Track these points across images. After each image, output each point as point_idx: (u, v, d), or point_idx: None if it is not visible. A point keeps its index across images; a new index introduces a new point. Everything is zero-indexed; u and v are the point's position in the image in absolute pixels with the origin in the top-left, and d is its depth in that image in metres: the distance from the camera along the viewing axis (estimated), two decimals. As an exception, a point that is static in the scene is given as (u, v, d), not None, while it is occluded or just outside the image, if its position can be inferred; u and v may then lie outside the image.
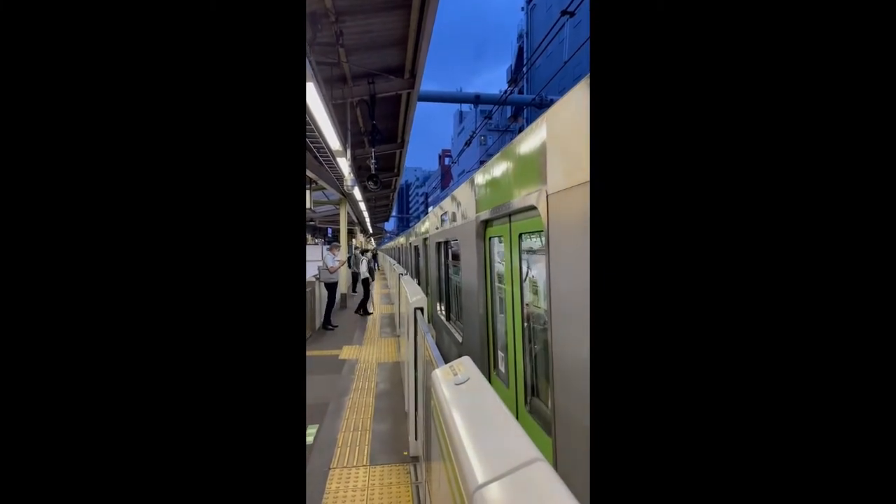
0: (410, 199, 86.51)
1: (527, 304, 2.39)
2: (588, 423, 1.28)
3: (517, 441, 0.79)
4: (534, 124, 1.93)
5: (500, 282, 2.90)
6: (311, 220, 15.09)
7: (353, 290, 13.09)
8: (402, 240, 16.15)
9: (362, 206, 13.59)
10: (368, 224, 22.49)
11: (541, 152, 1.81)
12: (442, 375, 1.30)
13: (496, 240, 2.92)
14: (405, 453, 3.13)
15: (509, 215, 2.47)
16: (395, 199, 22.63)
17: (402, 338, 4.74)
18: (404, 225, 72.42)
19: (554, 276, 1.66)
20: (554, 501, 0.61)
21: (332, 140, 5.21)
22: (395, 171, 13.56)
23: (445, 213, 4.77)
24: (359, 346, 6.67)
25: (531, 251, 2.36)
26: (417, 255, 8.85)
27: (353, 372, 5.27)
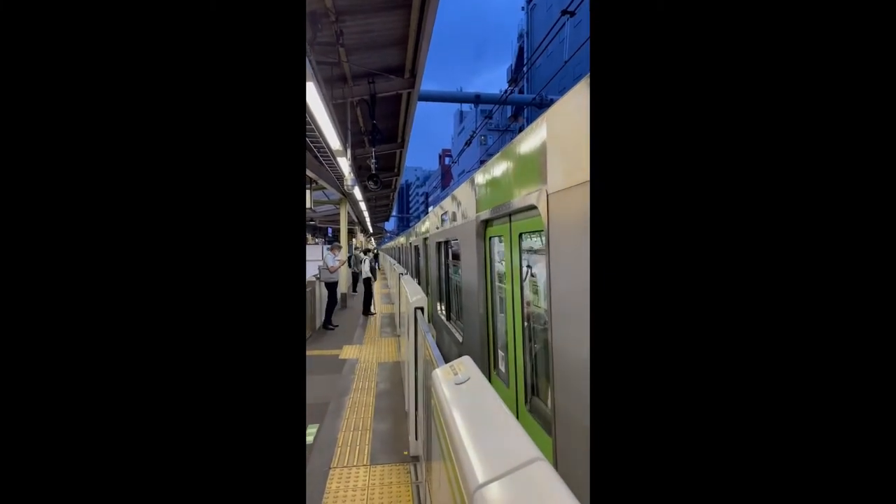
0: (410, 198, 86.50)
1: (527, 304, 2.38)
2: (588, 422, 1.28)
3: (517, 441, 0.79)
4: (534, 124, 1.93)
5: (500, 281, 2.90)
6: (312, 220, 15.09)
7: (354, 290, 13.09)
8: (402, 239, 16.16)
9: (362, 205, 13.59)
10: (368, 224, 22.49)
11: (541, 152, 1.81)
12: (442, 375, 1.30)
13: (496, 239, 2.92)
14: (405, 453, 3.13)
15: (509, 215, 2.47)
16: (395, 198, 22.63)
17: (403, 337, 4.74)
18: (404, 225, 72.42)
19: (554, 275, 1.66)
20: (554, 501, 0.61)
21: (333, 140, 5.21)
22: (396, 170, 13.56)
23: (445, 212, 4.77)
24: (359, 345, 6.67)
25: (531, 251, 2.36)
26: (417, 254, 8.86)
27: (353, 372, 5.27)
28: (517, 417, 1.92)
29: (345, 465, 3.01)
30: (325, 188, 9.29)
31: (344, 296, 10.29)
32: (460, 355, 1.50)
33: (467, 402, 1.06)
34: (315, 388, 4.61)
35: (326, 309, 8.05)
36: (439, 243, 5.48)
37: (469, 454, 0.79)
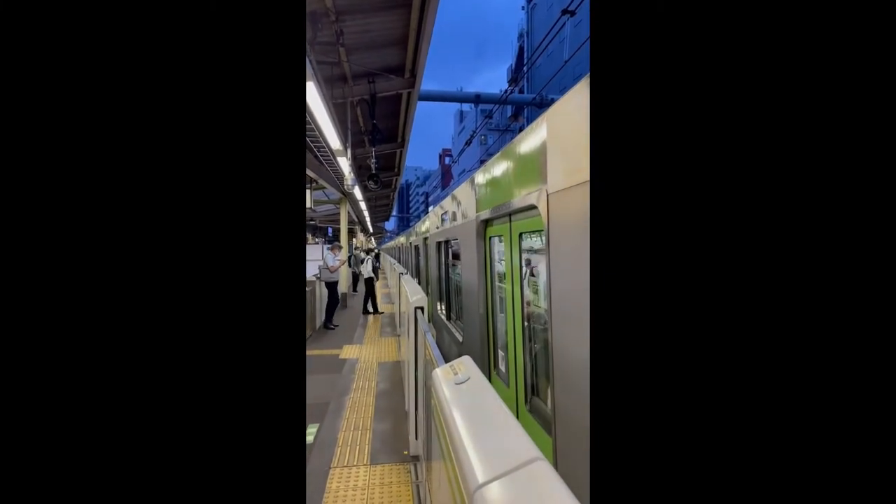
0: (411, 198, 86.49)
1: (527, 304, 2.38)
2: (588, 422, 1.28)
3: (517, 440, 0.79)
4: (534, 123, 1.93)
5: (500, 281, 2.90)
6: (312, 220, 15.09)
7: (354, 290, 13.09)
8: (402, 239, 16.15)
9: (362, 205, 13.59)
10: (369, 223, 22.49)
11: (541, 152, 1.81)
12: (442, 375, 1.30)
13: (496, 239, 2.92)
14: (405, 452, 3.14)
15: (509, 215, 2.47)
16: (395, 198, 22.62)
17: (403, 337, 4.74)
18: (404, 224, 72.41)
19: (554, 275, 1.66)
20: (554, 501, 0.61)
21: (333, 139, 5.21)
22: (396, 170, 13.56)
23: (446, 212, 4.77)
24: (359, 345, 6.67)
25: (531, 250, 2.36)
26: (418, 254, 8.86)
27: (353, 371, 5.27)
28: (517, 417, 1.92)
29: (345, 464, 3.01)
30: (325, 188, 9.30)
31: (344, 295, 10.29)
32: (460, 355, 1.50)
33: (467, 401, 1.06)
34: (315, 387, 4.62)
35: (327, 308, 8.05)
36: (439, 243, 5.48)
37: (469, 454, 0.79)
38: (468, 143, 13.98)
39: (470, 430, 0.88)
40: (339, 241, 10.01)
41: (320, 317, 8.28)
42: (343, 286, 9.96)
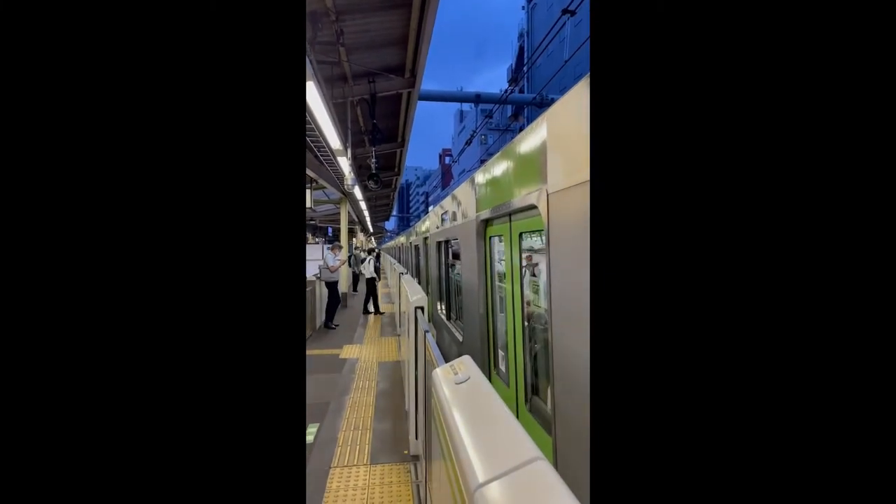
0: (411, 198, 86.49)
1: (527, 304, 2.39)
2: (588, 422, 1.28)
3: (517, 440, 0.79)
4: (534, 123, 1.93)
5: (500, 281, 2.90)
6: (312, 220, 15.10)
7: (354, 290, 13.09)
8: (402, 239, 16.16)
9: (363, 205, 13.59)
10: (369, 223, 22.49)
11: (541, 151, 1.81)
12: (442, 374, 1.30)
13: (496, 239, 2.92)
14: (405, 452, 3.14)
15: (510, 214, 2.47)
16: (395, 198, 22.62)
17: (403, 337, 4.74)
18: (404, 224, 72.42)
19: (554, 275, 1.66)
20: (554, 500, 0.61)
21: (333, 139, 5.21)
22: (396, 170, 13.56)
23: (446, 212, 4.77)
24: (359, 345, 6.67)
25: (532, 250, 2.36)
26: (418, 254, 8.86)
27: (353, 371, 5.27)
28: (517, 417, 1.93)
29: (345, 464, 3.01)
30: (325, 187, 9.29)
31: (345, 295, 10.29)
32: (460, 355, 1.50)
33: (467, 401, 1.06)
34: (315, 387, 4.62)
35: (329, 308, 8.05)
36: (439, 243, 5.48)
37: (469, 453, 0.79)
38: (468, 142, 13.98)
39: (470, 430, 0.88)
40: (339, 241, 10.02)
41: (320, 317, 8.28)
42: (343, 286, 9.97)
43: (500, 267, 2.91)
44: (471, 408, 1.02)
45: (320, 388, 4.62)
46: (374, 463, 3.02)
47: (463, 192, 3.74)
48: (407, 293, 3.47)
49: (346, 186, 8.01)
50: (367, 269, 9.76)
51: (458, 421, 0.94)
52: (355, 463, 3.02)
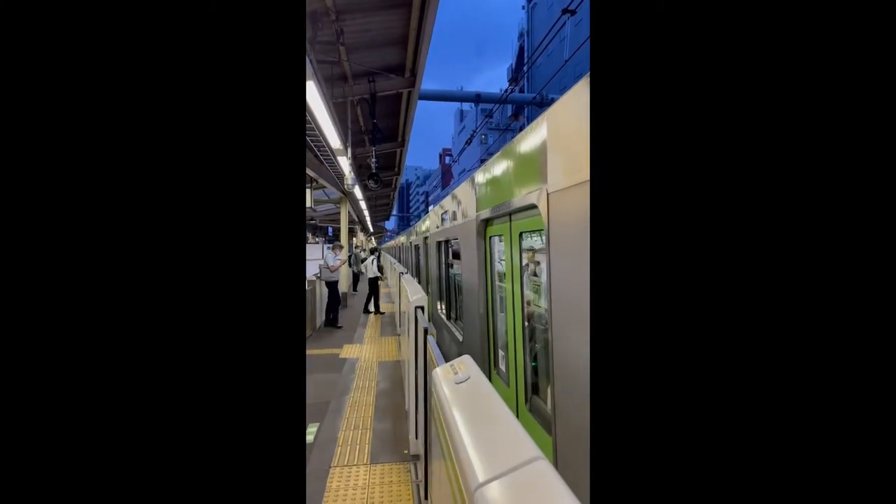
0: (411, 197, 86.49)
1: (527, 303, 2.39)
2: (588, 421, 1.28)
3: (518, 440, 0.79)
4: (534, 123, 1.93)
5: (500, 280, 2.90)
6: (312, 219, 15.09)
7: (354, 290, 13.10)
8: (402, 238, 16.16)
9: (363, 204, 13.58)
10: (369, 223, 22.49)
11: (541, 151, 1.80)
12: (442, 374, 1.30)
13: (496, 238, 2.92)
14: (406, 452, 3.14)
15: (510, 214, 2.46)
16: (395, 197, 22.61)
17: (403, 336, 4.74)
18: (405, 224, 72.43)
19: (554, 274, 1.66)
20: (554, 500, 0.61)
21: (333, 138, 5.21)
22: (396, 169, 13.55)
23: (446, 211, 4.77)
24: (359, 344, 6.68)
25: (532, 250, 2.35)
26: (418, 253, 8.86)
27: (353, 371, 5.27)
28: (517, 416, 1.92)
29: (345, 463, 3.01)
30: (325, 187, 9.29)
31: (345, 295, 10.29)
32: (460, 354, 1.50)
33: (467, 401, 1.07)
34: (315, 387, 4.62)
35: (331, 308, 8.05)
36: (439, 242, 5.48)
37: (469, 453, 0.79)
38: (468, 142, 13.97)
39: (470, 430, 0.88)
40: (339, 241, 10.02)
41: (320, 316, 8.28)
42: (343, 285, 9.97)
43: (500, 266, 2.91)
44: (471, 407, 1.02)
45: (320, 387, 4.62)
46: (374, 462, 3.02)
47: (463, 191, 3.74)
48: (407, 293, 3.47)
49: (346, 186, 8.01)
50: (371, 269, 9.75)
51: (458, 420, 0.94)
52: (355, 462, 3.02)
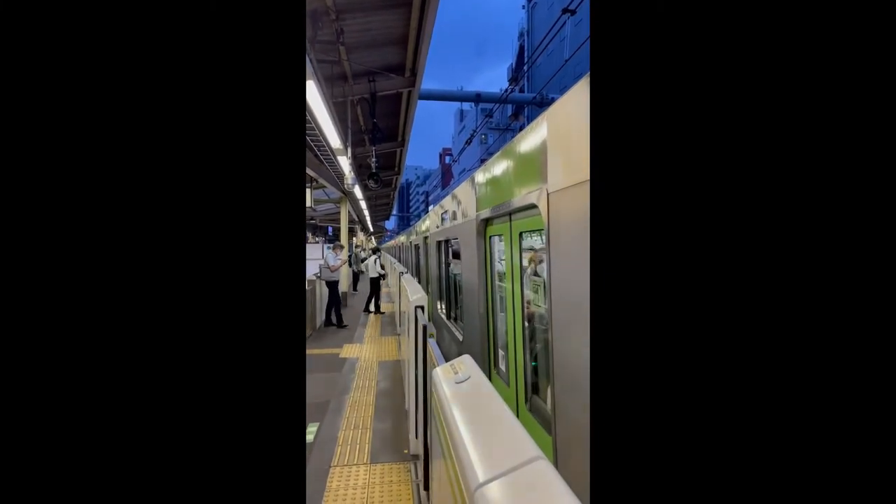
0: (411, 197, 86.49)
1: (527, 303, 2.39)
2: (588, 421, 1.28)
3: (518, 439, 0.79)
4: (534, 122, 1.93)
5: (500, 280, 2.90)
6: (312, 219, 15.09)
7: (354, 289, 13.10)
8: (402, 238, 16.16)
9: (363, 204, 13.58)
10: (369, 222, 22.49)
11: (541, 151, 1.80)
12: (442, 374, 1.30)
13: (496, 238, 2.92)
14: (406, 451, 3.14)
15: (510, 214, 2.46)
16: (395, 197, 22.60)
17: (403, 336, 4.74)
18: (405, 223, 72.44)
19: (554, 274, 1.66)
20: (554, 500, 0.61)
21: (333, 138, 5.21)
22: (396, 169, 13.55)
23: (446, 211, 4.77)
24: (359, 344, 6.68)
25: (532, 250, 2.35)
26: (418, 253, 8.86)
27: (353, 370, 5.27)
28: (517, 416, 1.92)
29: (345, 463, 3.01)
30: (325, 187, 9.28)
31: (345, 294, 10.29)
32: (460, 354, 1.50)
33: (467, 400, 1.07)
34: (315, 386, 4.62)
35: (333, 308, 8.05)
36: (439, 242, 5.48)
37: (469, 453, 0.79)
38: (468, 142, 13.97)
39: (470, 429, 0.88)
40: (340, 241, 10.02)
41: (320, 316, 8.28)
42: (344, 285, 9.97)
43: (500, 266, 2.91)
44: (471, 407, 1.02)
45: (320, 387, 4.62)
46: (374, 462, 3.02)
47: (463, 191, 3.74)
48: (407, 292, 3.47)
49: (346, 185, 8.01)
50: (373, 269, 9.74)
51: (459, 420, 0.94)
52: (355, 462, 3.02)
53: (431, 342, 2.02)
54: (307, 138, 5.66)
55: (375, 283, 9.58)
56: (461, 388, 1.15)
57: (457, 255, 4.32)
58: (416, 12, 4.88)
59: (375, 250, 10.70)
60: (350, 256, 13.22)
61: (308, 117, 4.42)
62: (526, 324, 2.36)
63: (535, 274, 2.41)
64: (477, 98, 28.90)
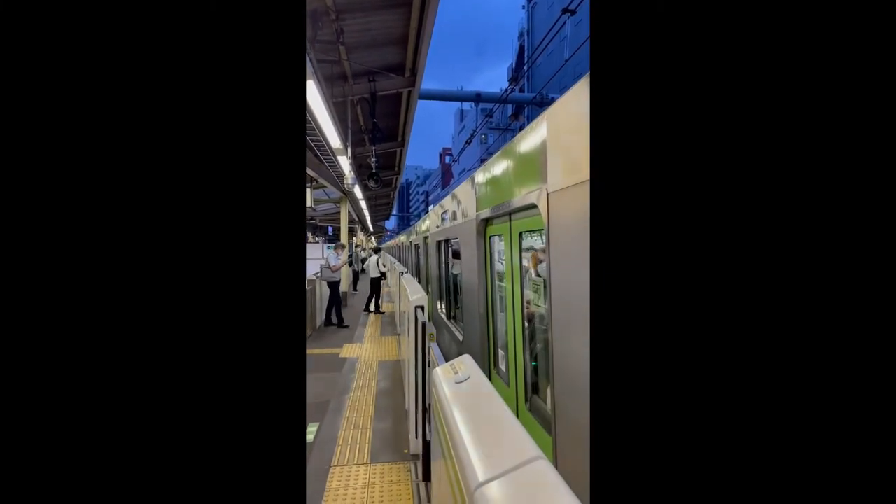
0: (411, 197, 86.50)
1: (527, 303, 2.39)
2: (588, 421, 1.28)
3: (518, 439, 0.79)
4: (534, 122, 1.93)
5: (500, 280, 2.90)
6: (312, 219, 15.09)
7: (354, 289, 13.11)
8: (402, 238, 16.16)
9: (363, 204, 13.58)
10: (369, 222, 22.49)
11: (541, 150, 1.80)
12: (442, 374, 1.30)
13: (496, 238, 2.92)
14: (406, 451, 3.14)
15: (510, 214, 2.46)
16: (395, 197, 22.60)
17: (403, 336, 4.74)
18: (405, 223, 72.46)
19: (554, 274, 1.66)
20: (554, 500, 0.61)
21: (333, 138, 5.21)
22: (396, 169, 13.55)
23: (446, 211, 4.77)
24: (359, 344, 6.68)
25: (532, 250, 2.35)
26: (418, 253, 8.85)
27: (353, 370, 5.27)
28: (517, 416, 1.93)
29: (345, 463, 3.01)
30: (325, 186, 9.28)
31: (345, 294, 10.29)
32: (460, 354, 1.50)
33: (467, 401, 1.07)
34: (316, 386, 4.62)
35: (333, 308, 8.05)
36: (439, 242, 5.48)
37: (469, 453, 0.79)
38: (468, 142, 13.97)
39: (470, 429, 0.88)
40: (341, 241, 10.02)
41: (320, 316, 8.28)
42: (344, 285, 9.97)
43: (500, 266, 2.91)
44: (471, 407, 1.02)
45: (320, 387, 4.62)
46: (374, 462, 3.02)
47: (463, 191, 3.73)
48: (407, 292, 3.47)
49: (346, 185, 8.01)
50: (374, 269, 9.73)
51: (459, 420, 0.94)
52: (355, 462, 3.02)
53: (432, 345, 2.02)
54: (307, 138, 5.66)
55: (376, 283, 9.57)
56: (461, 387, 1.15)
57: (457, 255, 4.32)
58: (416, 12, 4.88)
59: (377, 250, 10.69)
60: (350, 256, 13.23)
61: (308, 117, 4.42)
62: (526, 324, 2.36)
63: (537, 274, 2.41)
64: (477, 98, 28.91)
